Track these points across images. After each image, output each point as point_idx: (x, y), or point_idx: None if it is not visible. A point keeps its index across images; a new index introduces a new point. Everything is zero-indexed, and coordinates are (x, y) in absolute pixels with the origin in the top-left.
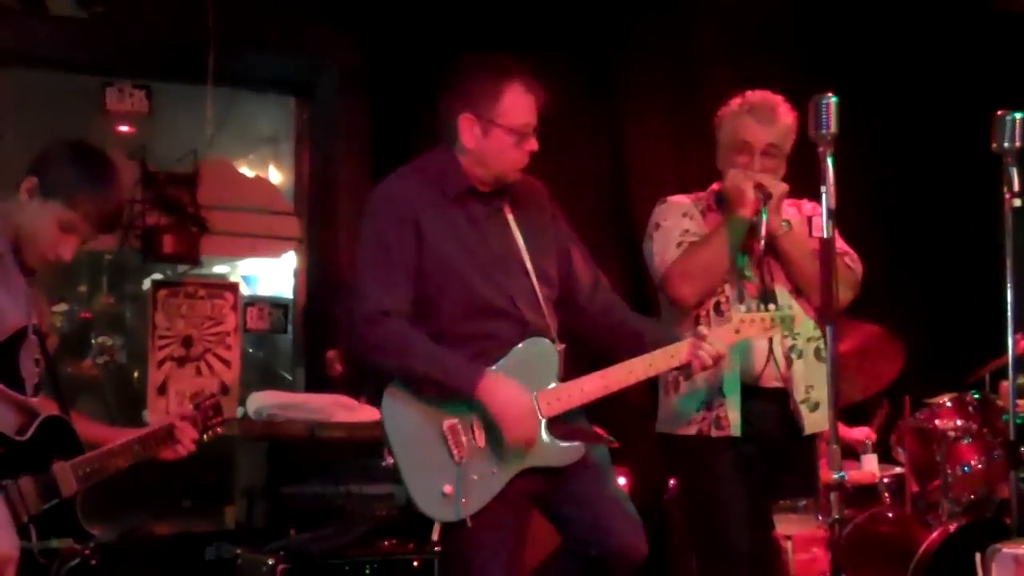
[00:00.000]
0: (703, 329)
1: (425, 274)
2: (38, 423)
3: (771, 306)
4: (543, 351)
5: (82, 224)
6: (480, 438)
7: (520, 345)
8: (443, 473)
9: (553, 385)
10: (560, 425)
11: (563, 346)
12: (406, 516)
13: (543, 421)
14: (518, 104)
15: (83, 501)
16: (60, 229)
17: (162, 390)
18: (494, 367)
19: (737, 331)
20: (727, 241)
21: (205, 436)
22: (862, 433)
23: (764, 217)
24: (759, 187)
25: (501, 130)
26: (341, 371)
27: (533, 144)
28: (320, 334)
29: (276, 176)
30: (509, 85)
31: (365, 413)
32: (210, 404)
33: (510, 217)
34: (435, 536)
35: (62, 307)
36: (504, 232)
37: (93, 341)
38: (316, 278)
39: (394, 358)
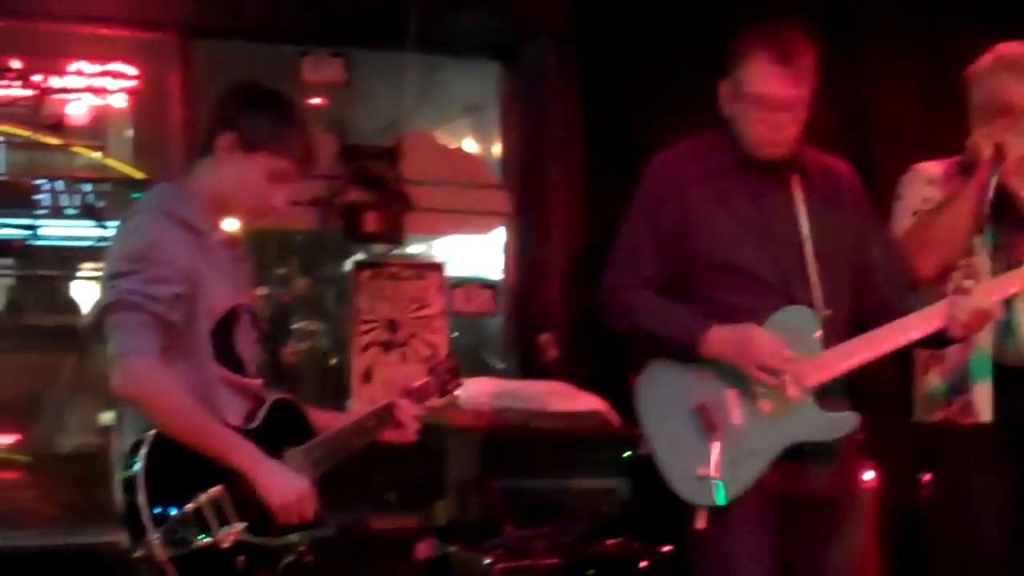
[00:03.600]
0: (968, 283)
1: (687, 245)
2: (267, 407)
3: None
4: (801, 317)
5: (292, 169)
6: (737, 415)
7: (776, 313)
8: (697, 454)
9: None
10: (826, 399)
11: (828, 312)
12: (631, 512)
13: (806, 392)
14: (762, 73)
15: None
16: (269, 180)
17: (367, 377)
18: None
19: (1005, 285)
20: (961, 207)
21: (444, 399)
22: None
23: (994, 179)
24: (998, 147)
25: (745, 98)
26: (556, 356)
27: (780, 118)
28: (532, 316)
29: (481, 148)
30: (756, 52)
31: (584, 401)
32: (447, 367)
33: (797, 192)
34: (699, 524)
35: (261, 290)
36: (784, 205)
37: (294, 327)
38: (527, 256)
39: (624, 322)
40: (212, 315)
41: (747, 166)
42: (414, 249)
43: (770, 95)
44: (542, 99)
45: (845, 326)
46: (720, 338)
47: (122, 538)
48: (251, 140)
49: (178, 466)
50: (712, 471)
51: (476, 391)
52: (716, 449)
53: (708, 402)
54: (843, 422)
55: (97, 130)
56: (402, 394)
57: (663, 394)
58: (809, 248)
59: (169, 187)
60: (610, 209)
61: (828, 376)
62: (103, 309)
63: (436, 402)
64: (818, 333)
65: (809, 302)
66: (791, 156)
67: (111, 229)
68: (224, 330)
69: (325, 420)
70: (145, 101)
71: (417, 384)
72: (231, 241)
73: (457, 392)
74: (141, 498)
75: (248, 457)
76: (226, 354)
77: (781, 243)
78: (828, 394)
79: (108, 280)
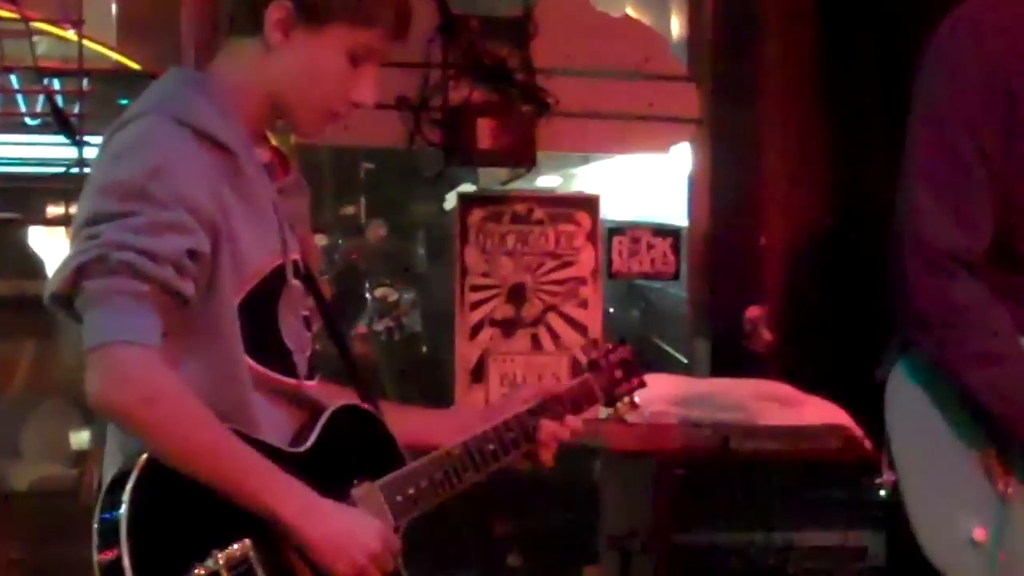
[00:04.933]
0: None
1: (1013, 186)
2: (325, 420)
3: None
4: None
5: (383, 41)
6: None
7: None
8: (974, 509)
9: None
10: None
11: None
12: None
13: None
14: None
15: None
16: (352, 61)
17: (478, 374)
18: None
19: None
20: None
21: (613, 410)
22: None
23: None
24: None
25: None
26: (771, 342)
27: None
28: (734, 281)
29: (655, 19)
30: None
31: (814, 411)
32: (617, 359)
33: None
34: None
35: (319, 240)
36: None
37: (368, 295)
38: (730, 187)
39: (950, 332)
40: (244, 281)
41: None
42: (547, 181)
43: None
44: None
45: None
46: None
47: None
48: (319, 8)
49: (181, 509)
50: (990, 534)
51: (649, 396)
52: (1004, 508)
53: None
54: None
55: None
56: (545, 399)
57: (936, 405)
58: None
59: (183, 78)
60: (863, 105)
61: None
62: (76, 271)
63: (599, 413)
64: None
65: None
66: None
67: (91, 148)
68: (262, 304)
69: (418, 434)
70: None
71: (569, 385)
72: (279, 163)
73: (636, 399)
74: (125, 557)
75: (291, 499)
76: (264, 341)
77: None
78: None
79: (84, 226)
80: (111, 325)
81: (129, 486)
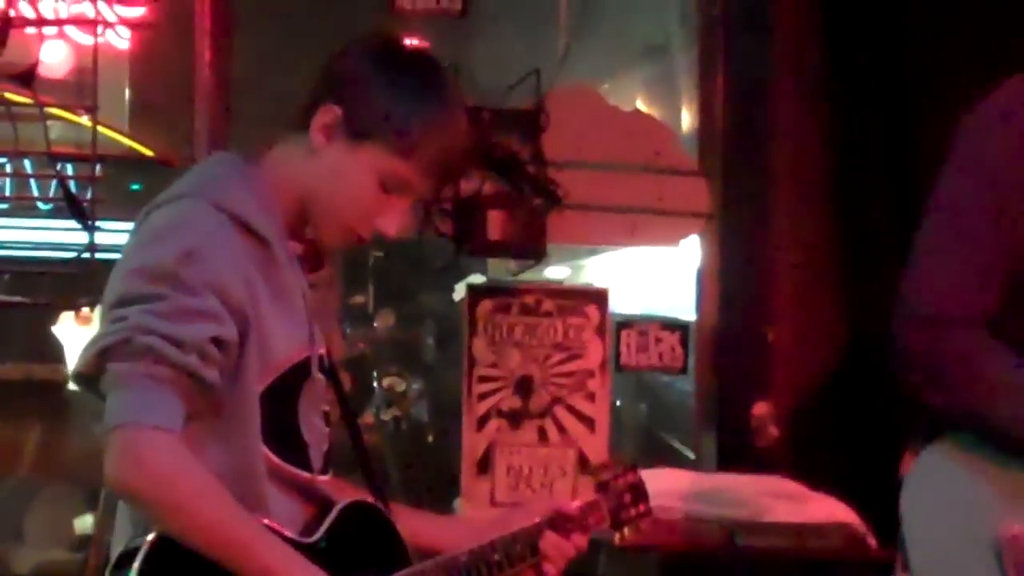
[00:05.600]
0: None
1: None
2: (336, 515)
3: None
4: None
5: (419, 177)
6: None
7: None
8: None
9: None
10: None
11: None
12: None
13: None
14: None
15: None
16: (383, 187)
17: (484, 466)
18: None
19: None
20: None
21: (619, 535)
22: None
23: None
24: None
25: None
26: (778, 438)
27: None
28: (742, 376)
29: (665, 111)
30: None
31: (821, 508)
32: (626, 484)
33: None
34: None
35: None
36: None
37: (375, 385)
38: (739, 282)
39: (949, 395)
40: (269, 372)
41: None
42: (556, 272)
43: None
44: (762, 37)
45: None
46: None
47: None
48: (361, 123)
49: None
50: None
51: (655, 490)
52: None
53: (1021, 534)
54: None
55: (84, 84)
56: (555, 516)
57: (947, 501)
58: None
59: (225, 162)
60: (874, 203)
61: None
62: (100, 352)
63: (606, 533)
64: None
65: None
66: None
67: (102, 232)
68: (284, 396)
69: (426, 537)
70: (158, 39)
71: (580, 504)
72: (312, 257)
73: (641, 525)
74: None
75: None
76: (281, 432)
77: None
78: None
79: (113, 307)
80: (130, 407)
81: (136, 565)
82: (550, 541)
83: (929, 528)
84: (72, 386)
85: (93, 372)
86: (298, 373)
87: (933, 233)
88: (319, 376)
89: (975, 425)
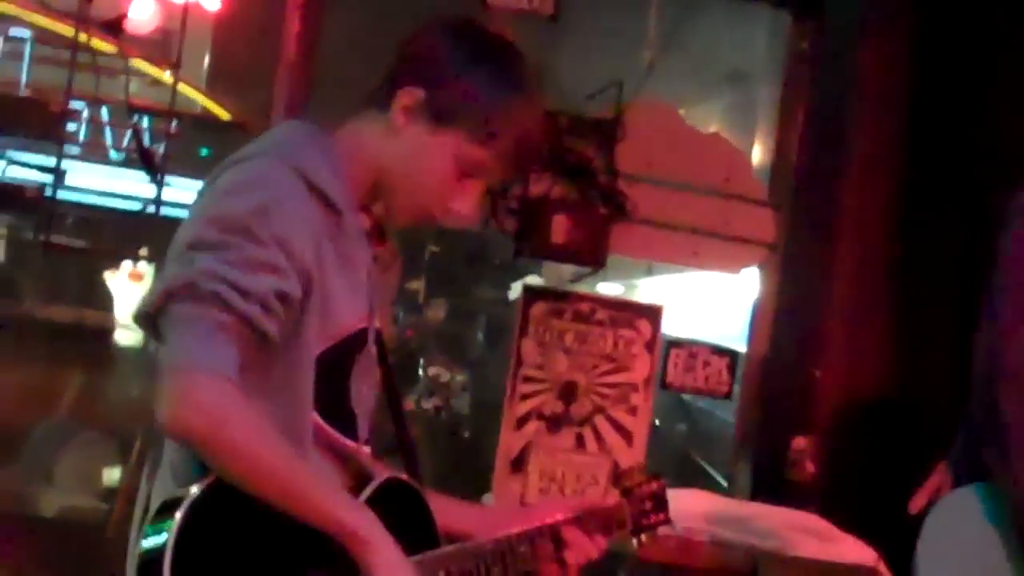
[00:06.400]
0: None
1: None
2: (374, 488)
3: None
4: None
5: (496, 164)
6: None
7: None
8: None
9: None
10: None
11: None
12: None
13: None
14: None
15: None
16: (460, 171)
17: (518, 464)
18: None
19: None
20: None
21: (637, 540)
22: None
23: None
24: None
25: None
26: (814, 474)
27: None
28: (786, 409)
29: (741, 139)
30: None
31: (847, 549)
32: (648, 491)
33: None
34: None
35: None
36: None
37: (420, 372)
38: (793, 316)
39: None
40: (328, 336)
41: None
42: (609, 288)
43: None
44: (847, 74)
45: None
46: None
47: None
48: (444, 106)
49: (231, 544)
50: None
51: (684, 510)
52: None
53: None
54: None
55: (170, 42)
56: (583, 513)
57: (962, 552)
58: None
59: (303, 130)
60: (937, 260)
61: None
62: (165, 293)
63: (623, 539)
64: None
65: None
66: None
67: (170, 188)
68: (339, 362)
69: (456, 523)
70: (246, 4)
71: (606, 505)
72: (377, 233)
73: (661, 532)
74: None
75: (363, 517)
76: (332, 399)
77: None
78: None
79: (183, 251)
80: (191, 350)
81: (179, 513)
82: (573, 537)
83: (943, 573)
84: (120, 337)
85: (155, 312)
86: (355, 342)
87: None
88: (371, 349)
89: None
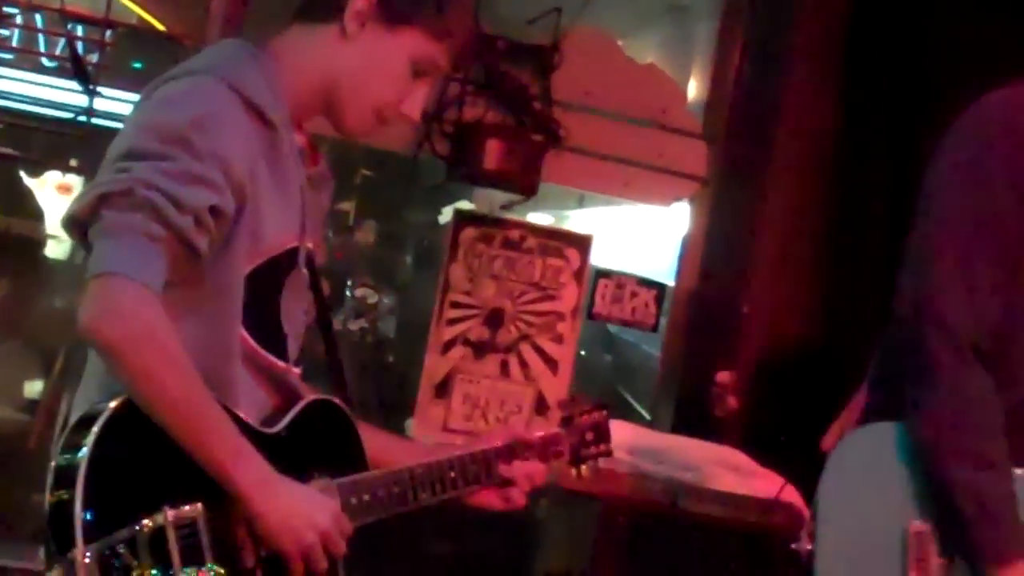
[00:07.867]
0: None
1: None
2: (301, 408)
3: None
4: None
5: (445, 58)
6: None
7: None
8: None
9: None
10: None
11: None
12: None
13: None
14: None
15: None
16: (413, 69)
17: (442, 390)
18: None
19: None
20: None
21: (576, 471)
22: None
23: None
24: None
25: None
26: (735, 409)
27: None
28: (711, 344)
29: (676, 72)
30: None
31: (766, 483)
32: (590, 421)
33: None
34: None
35: None
36: None
37: (348, 293)
38: (723, 252)
39: (954, 424)
40: (258, 254)
41: None
42: (539, 219)
43: None
44: (784, 8)
45: None
46: None
47: (38, 559)
48: (399, 6)
49: (142, 459)
50: None
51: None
52: None
53: (927, 532)
54: None
55: None
56: (514, 443)
57: (863, 487)
58: None
59: (240, 48)
60: (868, 198)
61: None
62: (98, 198)
63: (563, 469)
64: None
65: None
66: None
67: (102, 98)
68: (269, 281)
69: (386, 448)
70: None
71: (540, 435)
72: (311, 152)
73: (602, 464)
74: (77, 497)
75: (251, 470)
76: (262, 318)
77: None
78: None
79: (118, 160)
80: (119, 258)
81: (95, 428)
82: (518, 466)
83: (842, 507)
84: (47, 249)
85: (86, 217)
86: (285, 261)
87: (954, 237)
88: (304, 270)
89: (934, 468)
